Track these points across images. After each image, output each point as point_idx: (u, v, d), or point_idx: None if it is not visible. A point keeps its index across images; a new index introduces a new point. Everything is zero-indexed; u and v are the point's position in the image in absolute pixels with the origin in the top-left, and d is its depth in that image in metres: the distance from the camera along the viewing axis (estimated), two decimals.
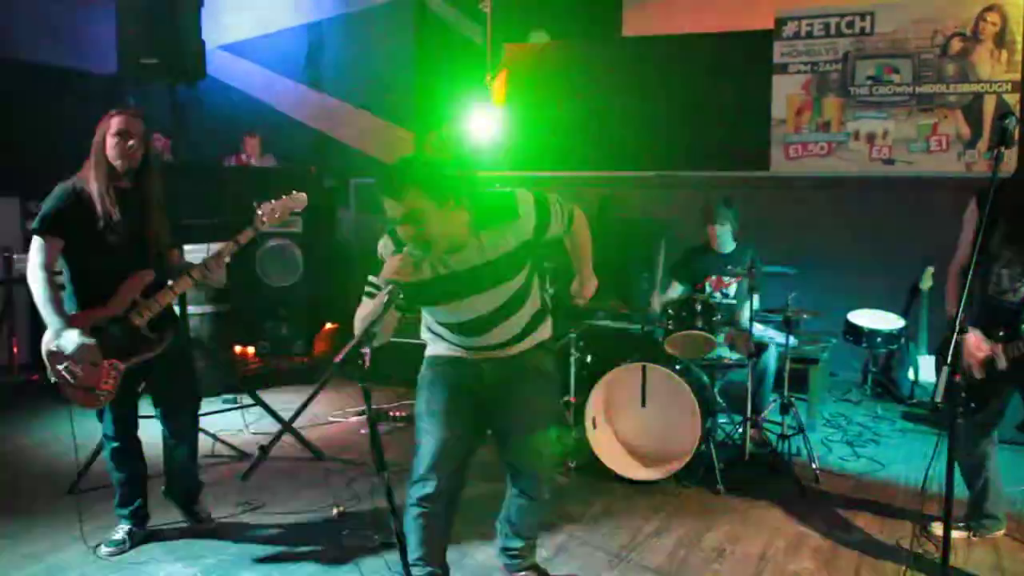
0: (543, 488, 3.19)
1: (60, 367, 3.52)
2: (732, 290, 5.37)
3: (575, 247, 3.21)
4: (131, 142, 3.52)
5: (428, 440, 2.98)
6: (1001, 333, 3.47)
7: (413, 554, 3.00)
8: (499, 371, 3.05)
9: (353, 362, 2.44)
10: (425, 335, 3.17)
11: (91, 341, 3.47)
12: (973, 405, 3.51)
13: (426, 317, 3.12)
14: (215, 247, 3.71)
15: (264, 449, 2.44)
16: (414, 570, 2.96)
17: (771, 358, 5.18)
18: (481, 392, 3.06)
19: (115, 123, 3.52)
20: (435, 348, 3.14)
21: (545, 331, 3.17)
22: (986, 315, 3.51)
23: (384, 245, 2.85)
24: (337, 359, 2.43)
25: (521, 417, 3.07)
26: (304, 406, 2.55)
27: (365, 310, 2.76)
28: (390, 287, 2.58)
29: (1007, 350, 3.44)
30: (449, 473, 2.99)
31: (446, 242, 2.75)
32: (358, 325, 2.74)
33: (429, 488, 2.97)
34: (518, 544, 3.37)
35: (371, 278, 2.84)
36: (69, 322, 3.47)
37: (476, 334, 3.00)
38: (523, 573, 3.39)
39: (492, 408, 3.09)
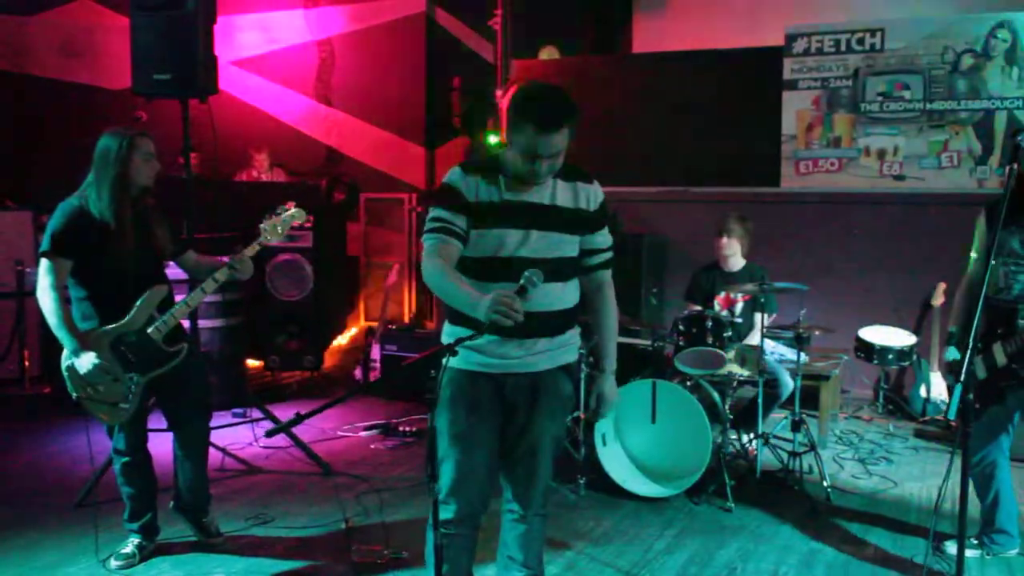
0: (539, 505, 3.05)
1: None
2: (739, 308, 5.35)
3: (604, 310, 3.10)
4: (155, 161, 3.64)
5: (448, 464, 2.87)
6: (999, 331, 3.53)
7: None
8: (520, 390, 2.92)
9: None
10: (447, 334, 2.95)
11: (105, 363, 3.51)
12: (978, 406, 3.53)
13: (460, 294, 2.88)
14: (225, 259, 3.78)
15: (365, 385, 2.37)
16: None
17: (787, 382, 5.06)
18: (500, 409, 2.93)
19: (143, 144, 3.60)
20: (459, 358, 2.85)
21: (572, 348, 3.06)
22: (985, 317, 3.54)
23: (456, 174, 2.81)
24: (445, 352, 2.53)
25: (531, 439, 2.96)
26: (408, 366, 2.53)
27: (456, 285, 2.68)
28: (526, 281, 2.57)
29: (1005, 346, 3.50)
30: (471, 497, 2.90)
31: (547, 170, 2.79)
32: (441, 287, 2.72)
33: (449, 513, 2.87)
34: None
35: (440, 212, 2.79)
36: (83, 342, 3.50)
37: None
38: None
39: (506, 422, 2.95)
